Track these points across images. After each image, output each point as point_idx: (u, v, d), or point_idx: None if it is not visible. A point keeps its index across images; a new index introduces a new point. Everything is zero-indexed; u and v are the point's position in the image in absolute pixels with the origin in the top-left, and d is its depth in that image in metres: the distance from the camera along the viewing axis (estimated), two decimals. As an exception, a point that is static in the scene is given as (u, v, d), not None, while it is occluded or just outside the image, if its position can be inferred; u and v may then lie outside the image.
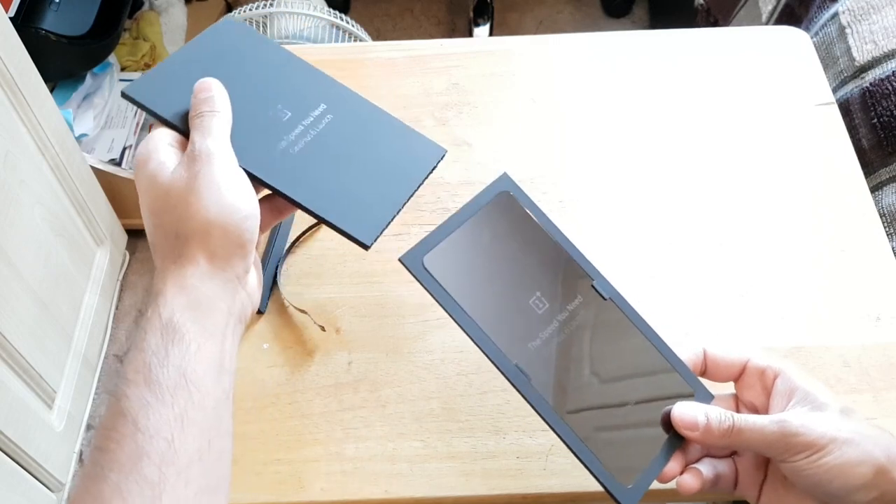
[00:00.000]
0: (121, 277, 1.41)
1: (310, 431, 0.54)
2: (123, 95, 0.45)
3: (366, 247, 0.44)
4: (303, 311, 0.59)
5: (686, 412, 0.44)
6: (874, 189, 0.75)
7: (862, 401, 0.55)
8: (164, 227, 0.41)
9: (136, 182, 0.42)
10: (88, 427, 1.28)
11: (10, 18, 1.10)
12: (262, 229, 0.43)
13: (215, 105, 0.43)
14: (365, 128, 0.48)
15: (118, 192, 1.36)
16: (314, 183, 0.45)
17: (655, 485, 0.52)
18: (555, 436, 0.54)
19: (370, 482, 0.52)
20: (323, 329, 0.58)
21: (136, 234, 1.46)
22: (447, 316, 0.44)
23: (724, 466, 0.46)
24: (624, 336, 0.47)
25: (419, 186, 0.47)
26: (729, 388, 0.47)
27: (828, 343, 0.57)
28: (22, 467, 1.03)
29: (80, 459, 1.25)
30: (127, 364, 0.38)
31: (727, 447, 0.45)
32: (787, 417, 0.42)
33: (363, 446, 0.53)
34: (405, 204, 0.46)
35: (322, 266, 0.62)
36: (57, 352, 1.15)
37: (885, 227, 0.64)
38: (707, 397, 0.46)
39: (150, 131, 0.44)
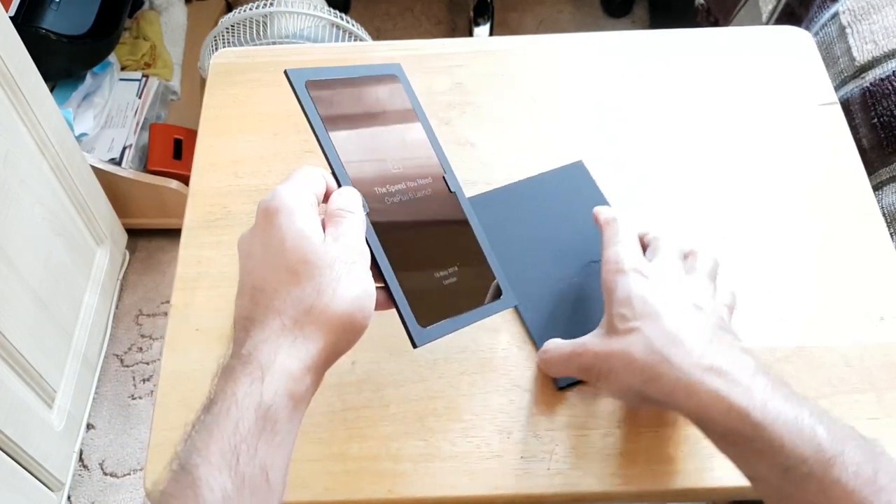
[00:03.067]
0: (121, 277, 1.41)
1: (313, 431, 0.54)
2: (287, 76, 0.48)
3: (414, 345, 0.47)
4: (305, 311, 0.59)
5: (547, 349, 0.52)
6: (875, 189, 0.74)
7: (865, 401, 0.55)
8: (297, 294, 0.39)
9: (270, 222, 0.41)
10: (88, 427, 1.28)
11: (10, 18, 1.10)
12: None
13: (354, 207, 0.45)
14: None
15: (118, 192, 1.36)
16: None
17: (654, 485, 0.52)
18: (559, 436, 0.54)
19: (373, 482, 0.52)
20: (326, 329, 0.58)
21: (135, 234, 1.46)
22: None
23: None
24: (455, 225, 0.53)
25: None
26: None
27: (830, 343, 0.57)
28: (22, 466, 1.03)
29: (80, 459, 1.25)
30: (208, 432, 0.36)
31: (556, 374, 0.53)
32: (579, 343, 0.49)
33: (366, 446, 0.53)
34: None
35: (325, 266, 0.62)
36: (57, 351, 1.15)
37: (885, 227, 0.64)
38: (511, 300, 0.53)
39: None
